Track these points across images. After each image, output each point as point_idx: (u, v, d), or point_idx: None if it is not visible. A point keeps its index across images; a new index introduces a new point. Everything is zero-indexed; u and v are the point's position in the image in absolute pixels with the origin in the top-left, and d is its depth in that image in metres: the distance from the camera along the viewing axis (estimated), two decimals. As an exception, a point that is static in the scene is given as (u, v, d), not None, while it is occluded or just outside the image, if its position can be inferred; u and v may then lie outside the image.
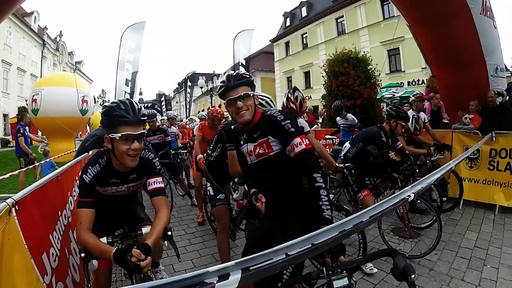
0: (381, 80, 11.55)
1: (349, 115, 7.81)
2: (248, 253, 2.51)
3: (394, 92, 17.43)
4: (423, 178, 2.46)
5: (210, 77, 37.48)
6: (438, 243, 4.32)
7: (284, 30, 40.46)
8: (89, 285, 2.31)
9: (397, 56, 27.14)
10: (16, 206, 1.79)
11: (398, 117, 4.70)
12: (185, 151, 10.24)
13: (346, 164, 4.67)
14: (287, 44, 39.93)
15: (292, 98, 4.20)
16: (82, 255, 2.14)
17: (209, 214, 5.62)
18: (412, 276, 1.43)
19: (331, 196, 5.25)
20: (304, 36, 37.18)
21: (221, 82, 2.38)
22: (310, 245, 1.15)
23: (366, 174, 5.01)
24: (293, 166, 2.27)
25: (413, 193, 1.98)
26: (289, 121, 2.25)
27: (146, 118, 2.38)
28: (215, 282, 0.95)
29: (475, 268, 4.15)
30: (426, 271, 4.10)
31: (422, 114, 6.94)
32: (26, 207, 1.97)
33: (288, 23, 40.29)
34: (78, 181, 3.72)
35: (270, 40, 42.85)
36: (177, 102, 77.81)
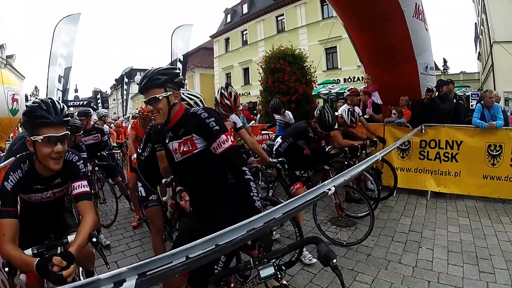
0: (317, 77, 11.88)
1: (288, 113, 7.94)
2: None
3: (331, 89, 18.07)
4: (345, 170, 2.55)
5: (148, 73, 36.46)
6: (372, 229, 4.54)
7: (224, 26, 40.13)
8: None
9: (334, 54, 27.95)
10: None
11: (318, 121, 4.80)
12: (119, 151, 9.98)
13: (279, 159, 4.72)
14: (227, 40, 39.71)
15: (226, 94, 4.13)
16: (6, 269, 2.01)
17: (145, 217, 5.48)
18: (334, 260, 1.51)
19: (270, 191, 5.34)
20: (244, 32, 37.20)
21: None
22: (214, 246, 1.14)
23: (298, 167, 5.18)
24: (217, 162, 2.29)
25: (334, 186, 2.04)
26: (213, 119, 2.24)
27: (69, 118, 2.26)
28: None
29: (411, 251, 4.43)
30: (364, 257, 4.31)
31: (356, 109, 7.25)
32: None
33: (228, 20, 40.01)
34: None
35: (210, 36, 42.34)
36: (114, 100, 74.93)
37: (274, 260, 1.77)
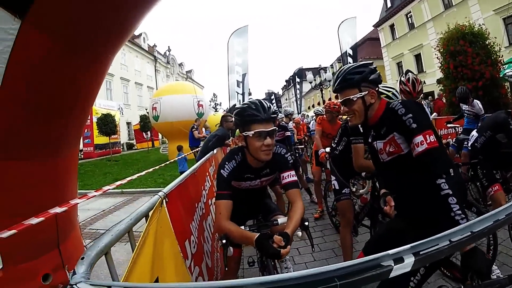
0: (502, 56, 10.44)
1: (476, 102, 7.08)
2: (371, 247, 2.48)
3: (518, 69, 15.60)
4: None
5: (316, 71, 36.84)
6: None
7: (386, 13, 37.53)
8: (226, 269, 2.52)
9: None
10: (166, 199, 2.08)
11: None
12: (302, 146, 10.31)
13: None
14: (391, 27, 37.12)
15: (404, 80, 4.02)
16: (224, 241, 2.29)
17: (330, 209, 5.64)
18: None
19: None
20: (408, 15, 34.04)
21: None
22: (470, 233, 1.14)
23: (496, 166, 4.51)
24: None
25: None
26: (411, 115, 1.99)
27: (276, 115, 2.49)
28: (392, 265, 0.98)
29: None
30: None
31: None
32: (173, 199, 2.27)
33: (389, 4, 37.28)
34: (208, 177, 4.07)
35: (373, 25, 40.53)
36: (286, 99, 78.87)
37: None
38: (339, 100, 2.24)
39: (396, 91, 3.20)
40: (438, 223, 1.92)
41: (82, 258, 1.22)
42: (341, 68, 2.29)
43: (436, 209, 1.94)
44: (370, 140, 2.38)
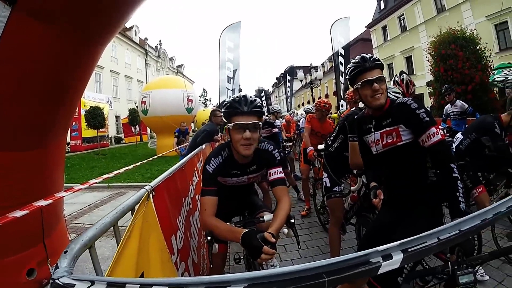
0: (492, 61, 10.57)
1: (458, 101, 7.29)
2: (365, 244, 2.47)
3: (507, 74, 15.70)
4: None
5: (307, 69, 36.93)
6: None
7: (379, 14, 37.69)
8: (211, 266, 2.47)
9: (506, 31, 23.18)
10: (153, 192, 2.05)
11: None
12: (290, 144, 10.26)
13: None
14: (384, 28, 37.24)
15: (398, 80, 4.05)
16: (209, 238, 2.27)
17: (319, 207, 5.63)
18: None
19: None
20: (401, 18, 34.23)
21: (353, 64, 2.41)
22: (458, 231, 1.16)
23: (480, 168, 4.52)
24: (420, 158, 2.25)
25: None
26: (423, 110, 2.19)
27: (260, 109, 2.42)
28: (381, 262, 0.98)
29: None
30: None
31: None
32: (160, 193, 2.23)
33: (382, 6, 37.46)
34: (196, 172, 4.07)
35: (365, 26, 40.56)
36: (276, 97, 79.00)
37: (475, 267, 1.69)
38: (371, 78, 2.29)
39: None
40: (426, 213, 2.20)
41: (65, 252, 1.19)
42: (364, 55, 2.44)
43: (426, 197, 2.25)
44: (372, 130, 2.47)
